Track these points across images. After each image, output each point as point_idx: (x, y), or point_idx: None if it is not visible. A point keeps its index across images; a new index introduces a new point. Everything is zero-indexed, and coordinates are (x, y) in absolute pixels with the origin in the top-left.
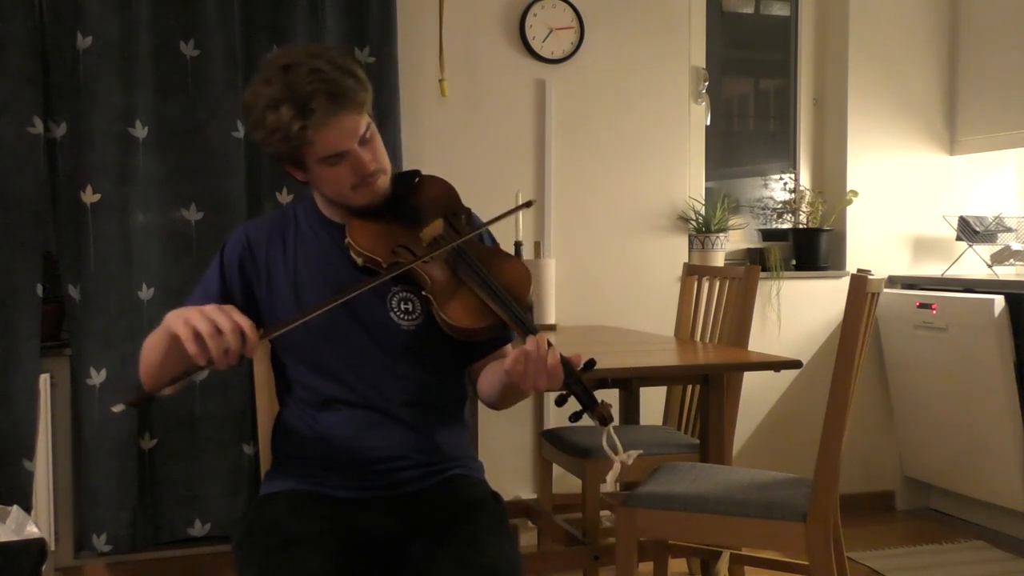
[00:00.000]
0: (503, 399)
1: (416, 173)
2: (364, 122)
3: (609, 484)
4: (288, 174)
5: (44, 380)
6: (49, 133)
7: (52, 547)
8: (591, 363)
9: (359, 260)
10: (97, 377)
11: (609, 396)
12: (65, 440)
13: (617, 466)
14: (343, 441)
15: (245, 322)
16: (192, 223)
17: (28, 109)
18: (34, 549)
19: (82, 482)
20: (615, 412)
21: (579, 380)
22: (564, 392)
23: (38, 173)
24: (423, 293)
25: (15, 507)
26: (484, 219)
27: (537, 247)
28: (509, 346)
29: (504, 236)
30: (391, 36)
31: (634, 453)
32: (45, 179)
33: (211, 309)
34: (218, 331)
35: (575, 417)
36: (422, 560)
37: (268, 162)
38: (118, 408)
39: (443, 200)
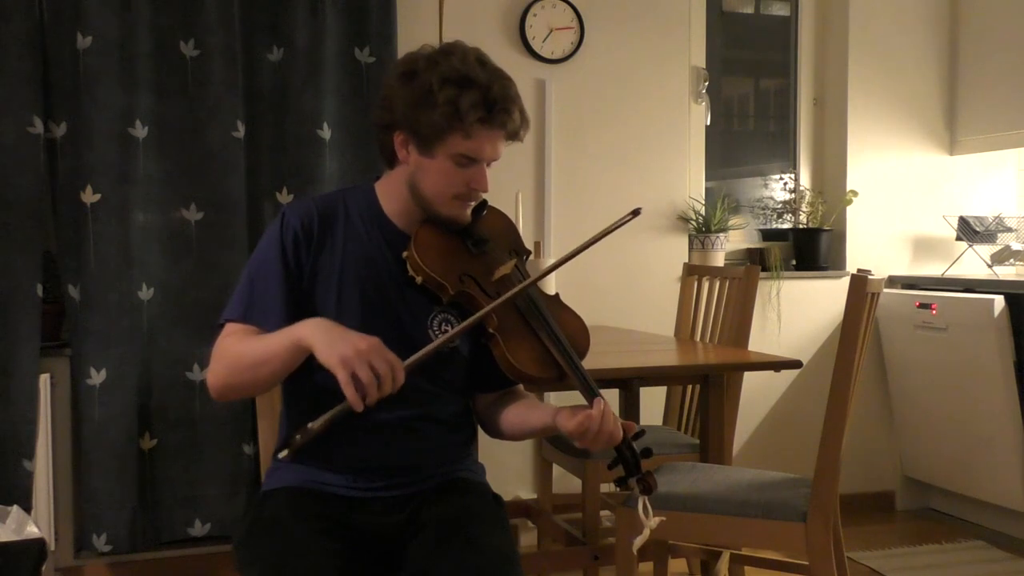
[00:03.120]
0: (524, 436)
1: (484, 203)
2: (503, 151)
3: (635, 547)
4: (388, 147)
5: (44, 380)
6: (49, 133)
7: (52, 547)
8: (642, 432)
9: (419, 278)
10: (97, 377)
11: (609, 396)
12: (65, 440)
13: (646, 532)
14: (351, 447)
15: (397, 361)
16: (192, 223)
17: (28, 109)
18: (34, 549)
19: (82, 482)
20: (615, 411)
21: (631, 448)
22: (615, 457)
23: (38, 173)
24: (489, 330)
25: (15, 507)
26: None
27: (537, 247)
28: (521, 385)
29: None
30: (391, 36)
31: (658, 519)
32: (45, 179)
33: (367, 349)
34: (376, 376)
35: (620, 482)
36: (421, 561)
37: (268, 162)
38: (283, 455)
39: (509, 237)
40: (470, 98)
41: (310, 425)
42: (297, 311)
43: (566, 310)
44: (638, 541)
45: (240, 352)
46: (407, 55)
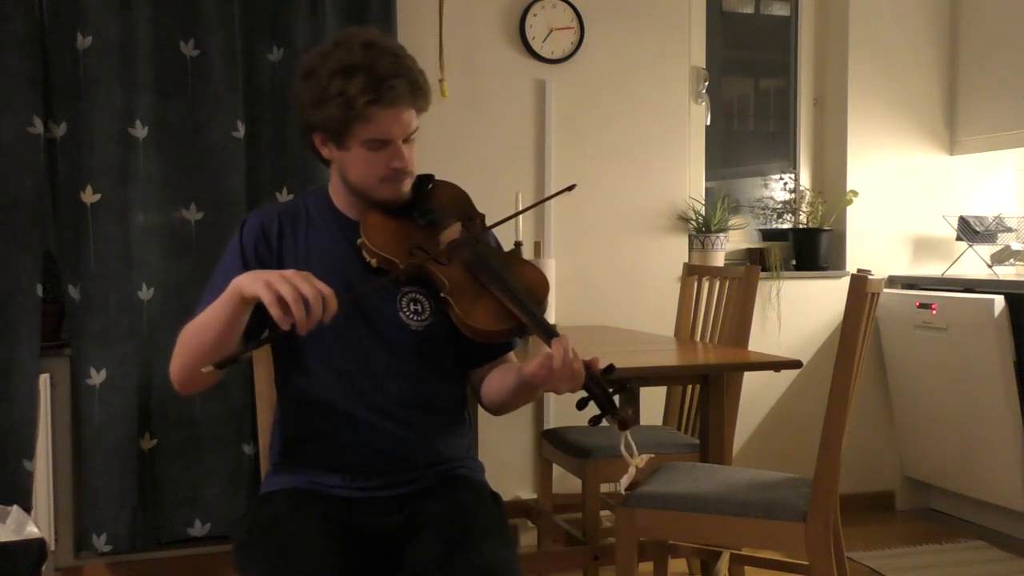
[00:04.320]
0: (512, 402)
1: (430, 177)
2: (416, 123)
3: (623, 486)
4: (313, 148)
5: (44, 380)
6: (49, 133)
7: (52, 547)
8: (611, 368)
9: (373, 261)
10: (97, 377)
11: None
12: (65, 440)
13: (632, 470)
14: (344, 441)
15: (326, 289)
16: (192, 223)
17: (28, 109)
18: (34, 549)
19: (82, 482)
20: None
21: (600, 384)
22: (585, 396)
23: (38, 173)
24: (441, 295)
25: (15, 507)
26: (493, 220)
27: (537, 247)
28: (512, 353)
29: (504, 236)
30: (391, 36)
31: (646, 456)
32: (45, 179)
33: (292, 274)
34: (302, 297)
35: (595, 421)
36: (420, 561)
37: (268, 162)
38: (207, 369)
39: (458, 204)
40: (356, 84)
41: (248, 345)
42: (261, 309)
43: (523, 263)
44: (624, 480)
45: (187, 329)
46: (307, 55)
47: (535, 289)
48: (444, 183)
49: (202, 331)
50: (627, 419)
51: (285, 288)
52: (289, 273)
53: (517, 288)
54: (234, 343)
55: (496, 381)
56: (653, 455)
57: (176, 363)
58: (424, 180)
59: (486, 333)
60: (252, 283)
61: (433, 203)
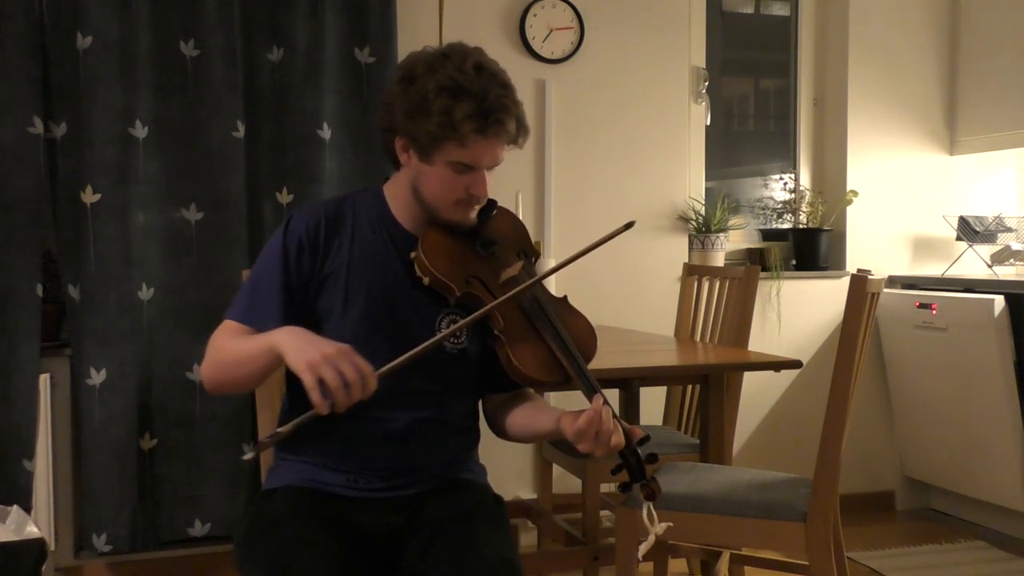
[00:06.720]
0: (527, 439)
1: (494, 204)
2: (504, 156)
3: (641, 553)
4: (391, 151)
5: (44, 380)
6: (49, 133)
7: (52, 547)
8: (647, 438)
9: (426, 279)
10: (97, 377)
11: (609, 396)
12: (65, 440)
13: (652, 537)
14: (353, 449)
15: (367, 367)
16: (192, 223)
17: (28, 109)
18: (34, 549)
19: (82, 482)
20: (616, 411)
21: (635, 452)
22: (619, 462)
23: (38, 173)
24: (494, 333)
25: (15, 507)
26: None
27: (537, 247)
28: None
29: None
30: (391, 36)
31: (665, 525)
32: (45, 179)
33: (334, 353)
34: (344, 381)
35: (625, 487)
36: (420, 562)
37: (268, 162)
38: (248, 456)
39: (518, 238)
40: (464, 109)
41: (279, 429)
42: (300, 314)
43: (574, 313)
44: (643, 548)
45: (226, 350)
46: (409, 58)
47: (586, 344)
48: (506, 212)
49: (237, 365)
50: (656, 491)
51: (327, 372)
52: (331, 352)
53: (570, 340)
54: (261, 377)
55: (523, 419)
56: (671, 524)
57: (209, 372)
58: (488, 206)
59: (533, 380)
60: (294, 356)
61: (495, 233)
